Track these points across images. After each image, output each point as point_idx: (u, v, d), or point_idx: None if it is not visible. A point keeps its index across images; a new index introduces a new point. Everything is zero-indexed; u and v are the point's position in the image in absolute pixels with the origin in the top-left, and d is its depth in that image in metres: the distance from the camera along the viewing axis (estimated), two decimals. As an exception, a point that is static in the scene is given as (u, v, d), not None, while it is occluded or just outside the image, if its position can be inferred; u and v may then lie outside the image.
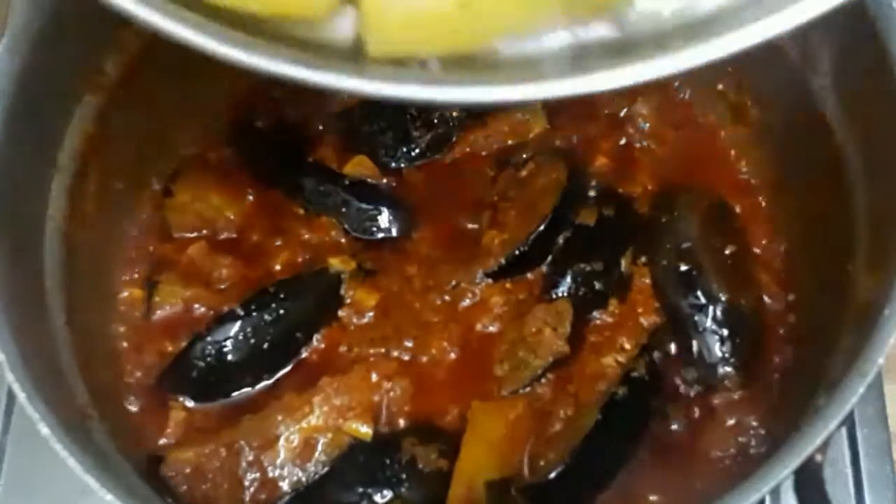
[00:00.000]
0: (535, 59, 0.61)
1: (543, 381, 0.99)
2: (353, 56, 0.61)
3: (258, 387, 1.01)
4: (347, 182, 1.09)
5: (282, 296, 1.02)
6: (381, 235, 1.09)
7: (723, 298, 1.00)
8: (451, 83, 0.59)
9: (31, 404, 0.76)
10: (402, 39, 0.60)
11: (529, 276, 1.05)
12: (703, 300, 1.00)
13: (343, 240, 1.08)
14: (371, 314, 1.04)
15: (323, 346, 1.03)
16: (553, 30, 0.61)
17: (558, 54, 0.61)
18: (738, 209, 1.09)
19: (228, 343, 1.00)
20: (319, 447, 0.96)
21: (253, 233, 1.09)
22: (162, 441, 0.98)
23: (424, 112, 1.12)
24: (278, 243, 1.08)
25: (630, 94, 1.12)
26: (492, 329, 1.03)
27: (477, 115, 1.12)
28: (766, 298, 1.04)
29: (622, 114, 1.13)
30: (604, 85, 0.57)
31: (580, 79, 0.57)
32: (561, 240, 1.05)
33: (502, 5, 0.59)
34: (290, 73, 0.57)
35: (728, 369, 0.98)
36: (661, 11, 0.61)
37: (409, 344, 1.02)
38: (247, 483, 0.95)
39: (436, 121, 1.12)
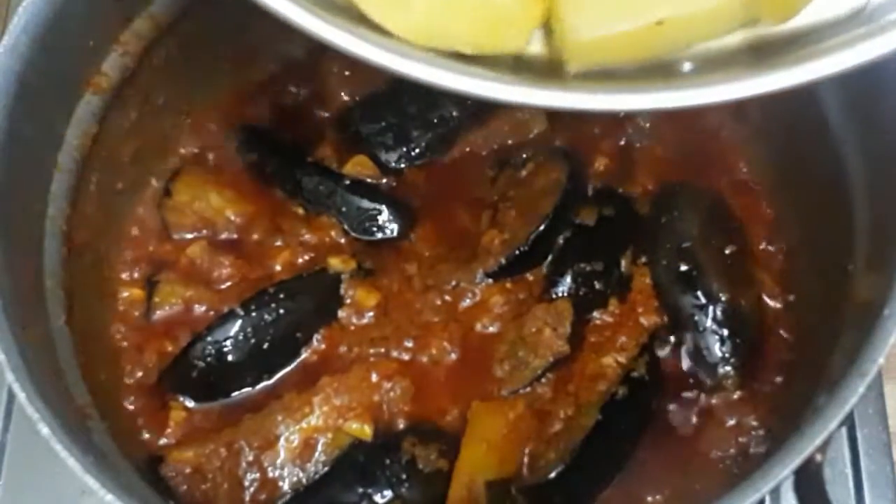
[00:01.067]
0: (717, 59, 0.67)
1: (543, 381, 0.99)
2: (544, 70, 0.68)
3: (258, 387, 1.01)
4: (347, 182, 1.09)
5: (282, 296, 1.02)
6: (380, 235, 1.09)
7: (723, 298, 1.00)
8: (646, 90, 0.64)
9: (31, 404, 0.76)
10: (600, 57, 0.65)
11: (529, 276, 1.05)
12: (703, 300, 1.00)
13: (343, 240, 1.08)
14: (371, 314, 1.04)
15: (323, 346, 1.03)
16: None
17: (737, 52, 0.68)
18: (738, 209, 1.09)
19: (228, 343, 1.00)
20: (319, 447, 0.96)
21: (253, 233, 1.09)
22: (162, 441, 0.98)
23: (424, 112, 1.12)
24: (278, 243, 1.08)
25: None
26: (492, 329, 1.03)
27: (477, 114, 1.12)
28: (766, 298, 1.04)
29: (622, 114, 1.12)
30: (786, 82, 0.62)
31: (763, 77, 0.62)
32: (561, 240, 1.05)
33: (692, 19, 0.65)
34: (504, 95, 0.63)
35: (728, 369, 0.98)
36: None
37: (409, 344, 1.02)
38: (247, 483, 0.95)
39: (435, 121, 1.12)
